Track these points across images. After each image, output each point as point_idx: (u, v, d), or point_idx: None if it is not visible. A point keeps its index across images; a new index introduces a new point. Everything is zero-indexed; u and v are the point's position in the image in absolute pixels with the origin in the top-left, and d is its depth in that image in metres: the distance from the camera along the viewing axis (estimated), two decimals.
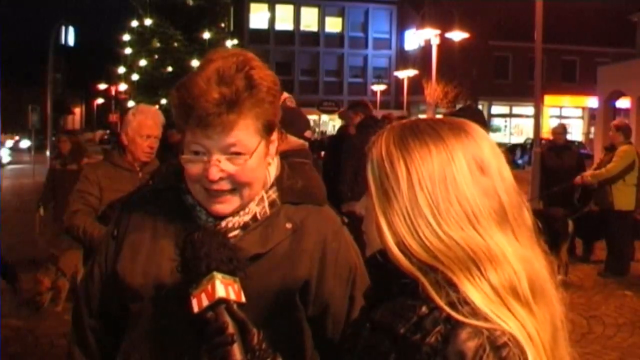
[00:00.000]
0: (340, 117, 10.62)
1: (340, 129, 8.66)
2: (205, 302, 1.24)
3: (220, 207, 1.46)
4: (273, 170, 1.56)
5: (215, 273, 1.25)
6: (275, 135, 1.51)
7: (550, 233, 7.12)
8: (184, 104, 1.39)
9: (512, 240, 1.06)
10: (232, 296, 1.25)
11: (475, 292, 1.02)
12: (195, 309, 1.24)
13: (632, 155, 8.29)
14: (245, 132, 1.41)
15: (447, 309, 1.01)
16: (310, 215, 1.55)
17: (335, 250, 1.54)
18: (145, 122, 3.77)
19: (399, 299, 1.07)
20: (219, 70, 1.38)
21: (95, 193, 3.69)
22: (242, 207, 1.49)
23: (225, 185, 1.43)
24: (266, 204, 1.52)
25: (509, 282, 1.03)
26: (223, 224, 1.49)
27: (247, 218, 1.50)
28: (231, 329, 1.23)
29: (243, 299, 1.27)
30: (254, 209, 1.50)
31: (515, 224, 1.07)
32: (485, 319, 1.00)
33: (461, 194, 1.05)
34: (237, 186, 1.45)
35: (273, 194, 1.54)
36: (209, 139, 1.39)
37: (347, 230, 1.63)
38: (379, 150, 1.11)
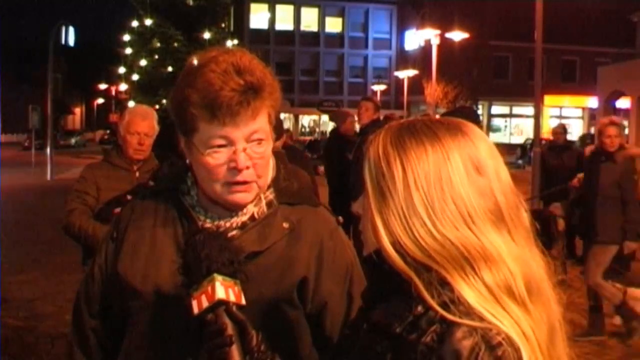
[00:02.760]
0: (331, 118, 10.58)
1: (332, 131, 8.68)
2: (205, 304, 1.25)
3: (242, 196, 1.48)
4: (269, 171, 1.57)
5: (215, 275, 1.26)
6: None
7: (543, 233, 7.13)
8: (206, 98, 1.39)
9: (507, 240, 1.06)
10: (232, 298, 1.26)
11: (469, 291, 1.02)
12: (195, 310, 1.26)
13: None
14: (264, 118, 1.46)
15: (439, 310, 1.01)
16: (307, 216, 1.57)
17: (332, 250, 1.56)
18: (133, 120, 3.83)
19: (395, 299, 1.07)
20: (233, 63, 1.41)
21: (92, 192, 3.73)
22: (257, 197, 1.51)
23: (250, 176, 1.45)
24: (263, 204, 1.54)
25: (504, 281, 1.03)
26: (222, 223, 1.50)
27: (245, 218, 1.52)
28: (230, 330, 1.24)
29: (243, 301, 1.28)
30: (251, 209, 1.53)
31: (512, 224, 1.07)
32: (480, 318, 1.00)
33: (456, 194, 1.05)
34: (258, 175, 1.47)
35: (270, 195, 1.56)
36: (236, 128, 1.41)
37: (342, 230, 1.65)
38: (375, 149, 1.11)
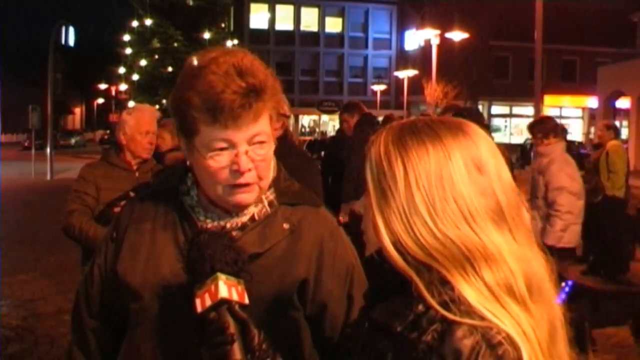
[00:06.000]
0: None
1: (339, 130, 8.66)
2: (208, 302, 1.26)
3: (244, 197, 1.47)
4: (271, 171, 1.57)
5: (219, 274, 1.27)
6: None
7: None
8: (207, 101, 1.38)
9: (509, 239, 1.06)
10: (235, 297, 1.27)
11: (470, 290, 1.02)
12: (199, 308, 1.26)
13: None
14: (266, 120, 1.45)
15: (439, 309, 1.01)
16: (307, 216, 1.56)
17: (332, 250, 1.55)
18: (143, 119, 3.83)
19: (396, 298, 1.07)
20: (234, 65, 1.40)
21: (92, 193, 3.71)
22: (259, 198, 1.51)
23: (252, 178, 1.45)
24: (266, 204, 1.54)
25: (505, 280, 1.03)
26: (222, 224, 1.50)
27: (245, 219, 1.52)
28: (232, 328, 1.25)
29: (246, 301, 1.29)
30: (252, 210, 1.52)
31: (513, 224, 1.07)
32: (481, 317, 1.00)
33: (458, 193, 1.05)
34: (259, 177, 1.47)
35: (270, 195, 1.55)
36: (238, 130, 1.40)
37: (343, 230, 1.64)
38: (377, 149, 1.11)
